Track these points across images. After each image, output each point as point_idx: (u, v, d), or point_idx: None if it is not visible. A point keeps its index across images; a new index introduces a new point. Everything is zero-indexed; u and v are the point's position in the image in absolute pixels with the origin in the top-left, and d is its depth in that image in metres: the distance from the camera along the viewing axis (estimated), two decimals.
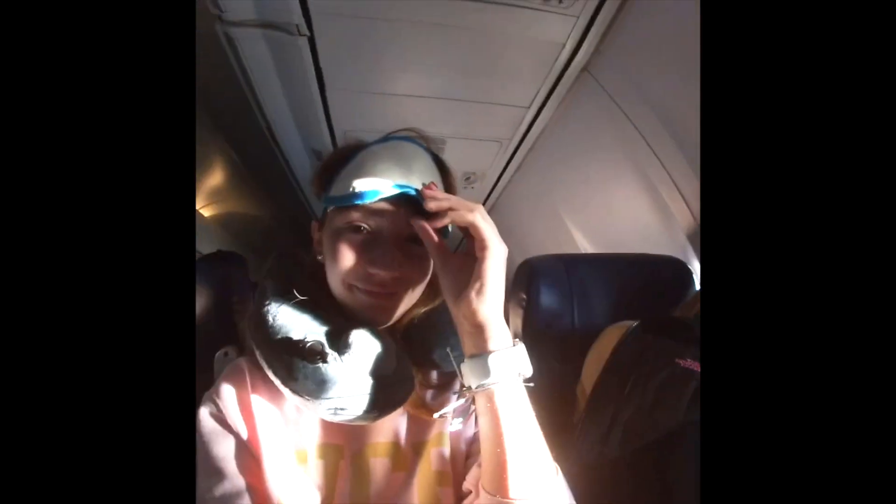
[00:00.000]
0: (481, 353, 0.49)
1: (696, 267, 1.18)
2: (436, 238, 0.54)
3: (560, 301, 1.07)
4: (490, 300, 0.49)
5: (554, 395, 0.95)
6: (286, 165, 1.87)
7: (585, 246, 1.70)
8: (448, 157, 0.66)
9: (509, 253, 0.53)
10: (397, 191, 0.54)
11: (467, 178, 1.89)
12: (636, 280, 1.11)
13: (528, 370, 0.51)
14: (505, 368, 0.48)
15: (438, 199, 0.53)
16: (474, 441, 0.62)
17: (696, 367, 0.75)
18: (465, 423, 0.61)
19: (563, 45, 1.11)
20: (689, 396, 0.73)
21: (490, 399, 0.48)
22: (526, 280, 1.09)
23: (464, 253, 0.53)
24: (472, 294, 0.50)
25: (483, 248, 0.50)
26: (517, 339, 0.51)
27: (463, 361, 0.51)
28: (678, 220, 1.25)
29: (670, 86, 1.10)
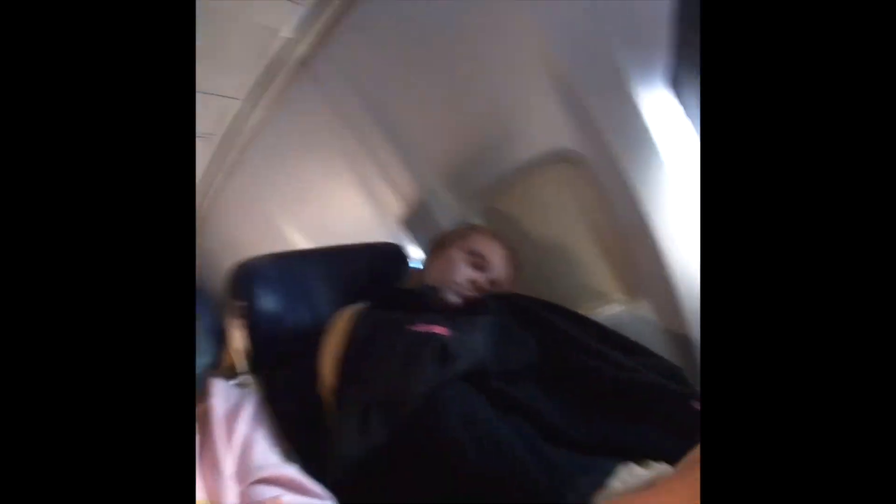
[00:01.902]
0: None
1: (410, 248, 1.27)
2: None
3: (284, 301, 1.02)
4: None
5: (297, 401, 0.88)
6: None
7: (304, 244, 1.67)
8: None
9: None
10: None
11: None
12: (357, 268, 1.13)
13: None
14: None
15: None
16: None
17: (430, 328, 0.77)
18: None
19: (280, 33, 1.09)
20: (430, 358, 0.73)
21: None
22: (243, 286, 0.99)
23: None
24: None
25: None
26: None
27: None
28: (390, 210, 1.33)
29: (386, 84, 1.16)
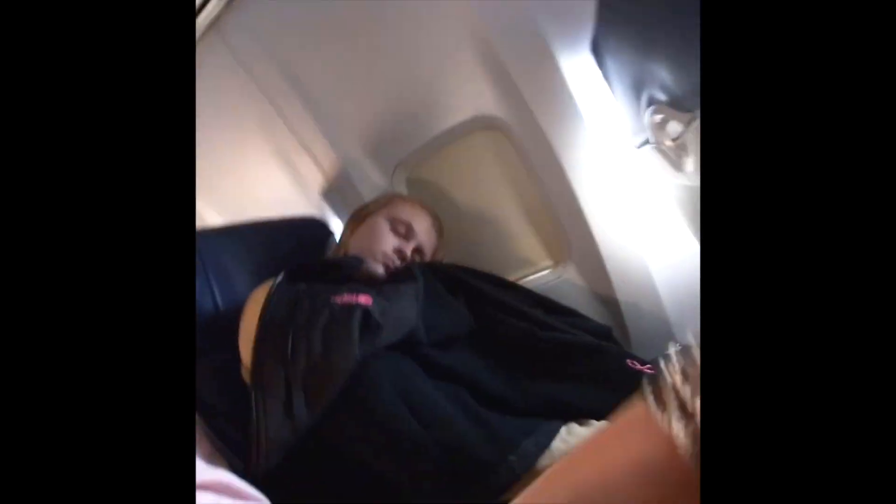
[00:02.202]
0: None
1: (332, 221, 1.23)
2: None
3: (198, 285, 0.94)
4: None
5: (221, 393, 0.82)
6: None
7: (219, 221, 1.56)
8: None
9: None
10: None
11: None
12: (277, 244, 1.07)
13: None
14: None
15: None
16: None
17: (354, 299, 0.73)
18: None
19: None
20: (356, 330, 0.69)
21: None
22: None
23: None
24: None
25: None
26: None
27: None
28: (310, 181, 1.27)
29: (302, 50, 1.09)
